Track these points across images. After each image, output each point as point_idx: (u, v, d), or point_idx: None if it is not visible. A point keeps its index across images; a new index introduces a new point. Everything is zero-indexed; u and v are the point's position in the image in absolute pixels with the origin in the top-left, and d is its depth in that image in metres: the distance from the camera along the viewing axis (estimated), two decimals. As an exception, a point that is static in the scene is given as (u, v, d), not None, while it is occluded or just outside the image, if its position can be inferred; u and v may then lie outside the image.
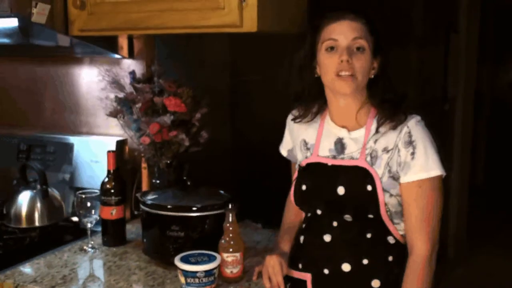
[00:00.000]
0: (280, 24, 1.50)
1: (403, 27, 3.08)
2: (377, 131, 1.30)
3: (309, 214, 1.40)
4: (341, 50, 1.26)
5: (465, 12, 3.68)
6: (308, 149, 1.40)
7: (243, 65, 2.34)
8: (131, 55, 1.86)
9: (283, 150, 1.52)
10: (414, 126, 1.28)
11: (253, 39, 1.96)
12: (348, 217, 1.31)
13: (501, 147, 5.39)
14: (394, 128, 1.29)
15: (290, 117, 1.46)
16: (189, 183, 1.67)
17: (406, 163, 1.27)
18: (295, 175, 1.41)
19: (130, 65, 1.87)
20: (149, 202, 1.56)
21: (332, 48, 1.28)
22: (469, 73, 3.84)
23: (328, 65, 1.28)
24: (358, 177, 1.29)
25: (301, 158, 1.42)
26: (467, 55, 3.77)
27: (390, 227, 1.30)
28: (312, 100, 1.39)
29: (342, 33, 1.27)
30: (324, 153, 1.36)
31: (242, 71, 2.34)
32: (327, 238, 1.33)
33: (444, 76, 3.71)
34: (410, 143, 1.27)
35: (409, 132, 1.27)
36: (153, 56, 1.87)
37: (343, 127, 1.35)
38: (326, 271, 1.33)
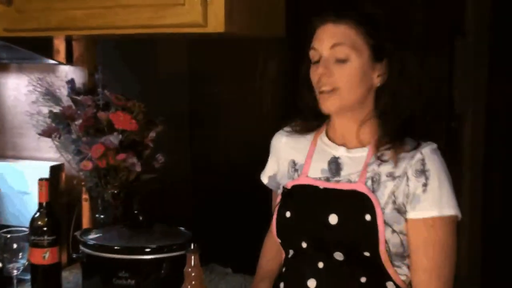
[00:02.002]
0: (252, 25, 1.52)
1: (400, 30, 3.15)
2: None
3: (290, 253, 1.39)
4: (321, 61, 1.28)
5: (473, 10, 3.78)
6: (296, 170, 1.41)
7: (204, 76, 2.34)
8: (69, 60, 1.87)
9: (264, 177, 1.53)
10: (429, 154, 1.29)
11: (216, 44, 1.97)
12: (338, 255, 1.30)
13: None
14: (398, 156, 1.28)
15: (276, 137, 1.48)
16: (141, 218, 1.66)
17: (416, 195, 1.27)
18: (277, 200, 1.40)
19: (68, 72, 1.87)
20: (91, 242, 1.55)
21: (316, 59, 1.30)
22: (479, 84, 3.93)
23: (312, 80, 1.31)
24: (355, 204, 1.29)
25: (286, 182, 1.41)
26: (476, 62, 3.85)
27: (390, 270, 1.30)
28: (314, 117, 1.40)
29: (321, 40, 1.29)
30: (316, 174, 1.36)
31: (204, 83, 2.35)
32: (311, 283, 1.32)
33: (449, 88, 3.80)
34: (422, 172, 1.27)
35: (423, 160, 1.28)
36: (97, 62, 1.87)
37: (342, 145, 1.36)
38: (310, 326, 1.32)
